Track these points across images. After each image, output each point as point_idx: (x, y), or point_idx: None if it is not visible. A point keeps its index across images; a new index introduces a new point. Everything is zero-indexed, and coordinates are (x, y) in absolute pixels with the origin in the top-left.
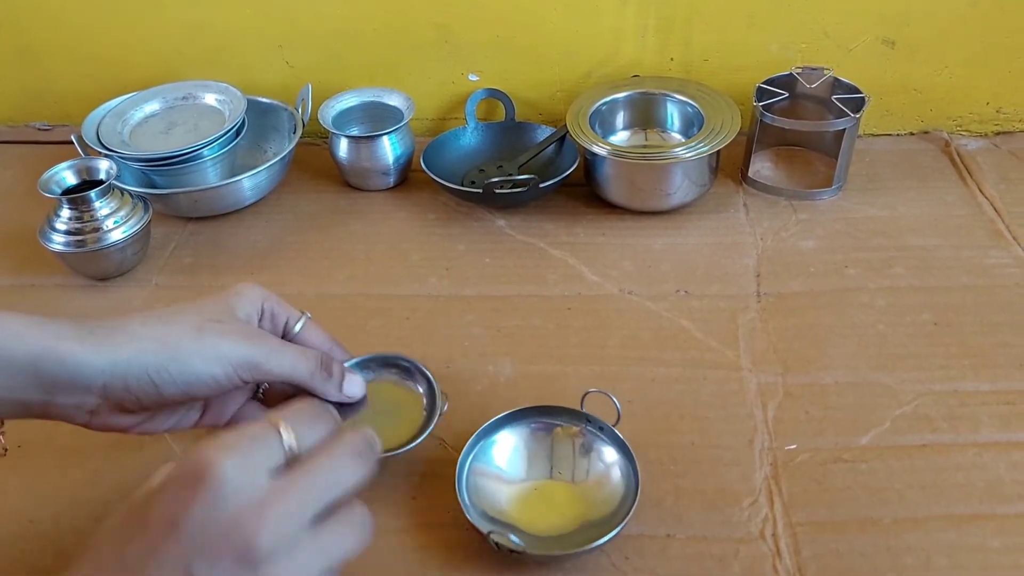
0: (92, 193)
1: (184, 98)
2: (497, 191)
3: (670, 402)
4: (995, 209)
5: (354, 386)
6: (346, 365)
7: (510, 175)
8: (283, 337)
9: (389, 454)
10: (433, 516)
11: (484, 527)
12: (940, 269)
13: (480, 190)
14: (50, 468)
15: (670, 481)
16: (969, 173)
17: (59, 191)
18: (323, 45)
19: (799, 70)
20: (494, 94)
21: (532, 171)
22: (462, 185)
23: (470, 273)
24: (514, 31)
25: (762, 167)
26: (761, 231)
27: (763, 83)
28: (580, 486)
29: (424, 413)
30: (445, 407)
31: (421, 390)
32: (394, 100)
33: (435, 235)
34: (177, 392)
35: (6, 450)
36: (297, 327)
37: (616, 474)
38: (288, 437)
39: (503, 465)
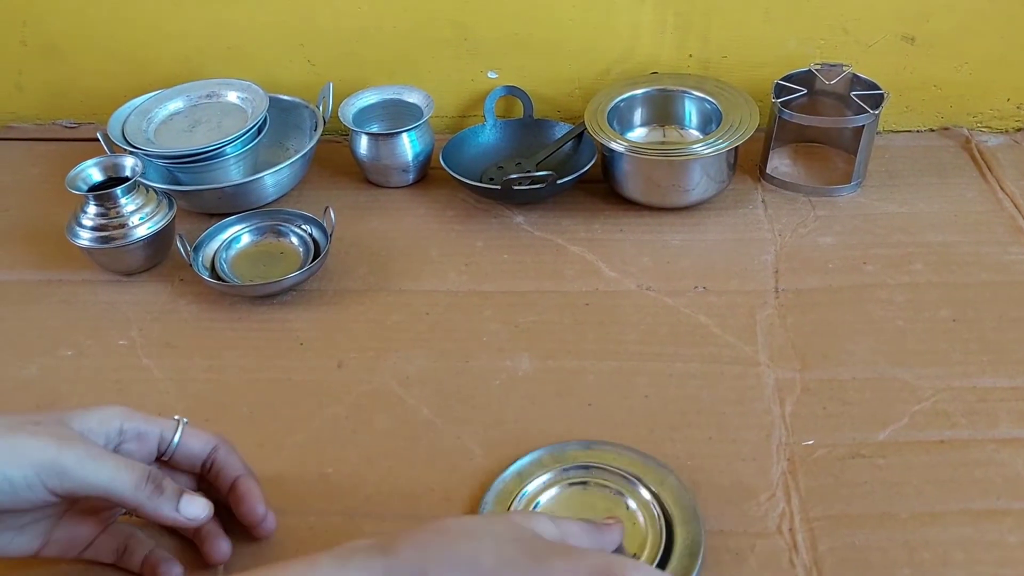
0: (118, 190)
1: (208, 96)
2: (515, 188)
3: (688, 397)
4: (1015, 205)
5: (194, 507)
6: None
7: (528, 172)
8: (161, 456)
9: None
10: None
11: None
12: (959, 265)
13: (499, 187)
14: None
15: (687, 476)
16: (989, 169)
17: (85, 188)
18: (343, 43)
19: (818, 66)
20: (512, 91)
21: (550, 168)
22: (481, 182)
23: (488, 269)
24: (532, 28)
25: (780, 163)
26: (779, 227)
27: (781, 79)
28: None
29: None
30: None
31: None
32: (414, 98)
33: (454, 231)
34: None
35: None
36: (175, 439)
37: None
38: None
39: None
